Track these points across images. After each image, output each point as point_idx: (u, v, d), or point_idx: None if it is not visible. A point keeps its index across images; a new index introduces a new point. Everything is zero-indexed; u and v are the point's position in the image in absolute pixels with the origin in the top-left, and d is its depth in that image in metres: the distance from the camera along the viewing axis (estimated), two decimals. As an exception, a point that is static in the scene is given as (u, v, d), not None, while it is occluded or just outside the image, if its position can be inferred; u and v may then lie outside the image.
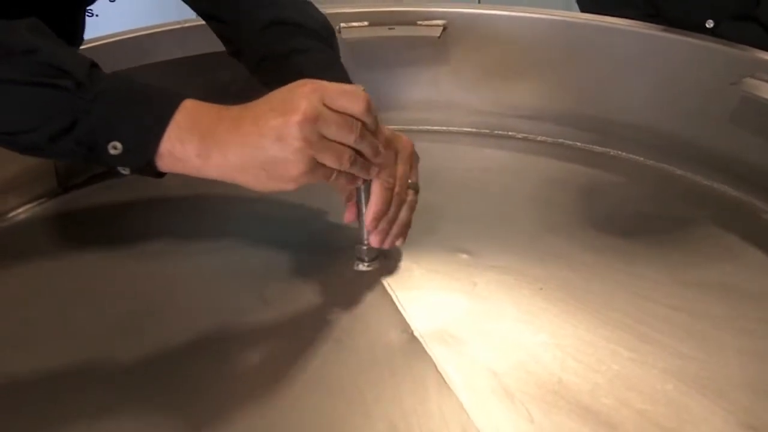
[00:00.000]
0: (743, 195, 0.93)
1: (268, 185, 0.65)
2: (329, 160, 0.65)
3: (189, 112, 0.64)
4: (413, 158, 0.76)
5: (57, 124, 0.63)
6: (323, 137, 0.64)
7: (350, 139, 0.66)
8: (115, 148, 0.63)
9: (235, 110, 0.66)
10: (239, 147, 0.64)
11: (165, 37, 1.06)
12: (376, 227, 0.74)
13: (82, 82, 0.63)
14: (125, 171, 0.66)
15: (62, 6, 0.96)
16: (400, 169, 0.74)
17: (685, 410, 0.61)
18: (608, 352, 0.67)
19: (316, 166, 0.65)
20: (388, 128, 0.74)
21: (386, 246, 0.76)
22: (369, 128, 0.68)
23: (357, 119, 0.66)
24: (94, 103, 0.63)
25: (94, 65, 0.65)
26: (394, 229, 0.75)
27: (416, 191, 0.77)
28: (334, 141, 0.65)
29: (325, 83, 0.66)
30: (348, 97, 0.66)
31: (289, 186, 0.65)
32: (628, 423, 0.60)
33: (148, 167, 0.65)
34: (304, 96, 0.64)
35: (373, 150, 0.69)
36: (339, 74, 0.84)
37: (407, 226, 0.77)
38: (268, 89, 0.67)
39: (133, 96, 0.64)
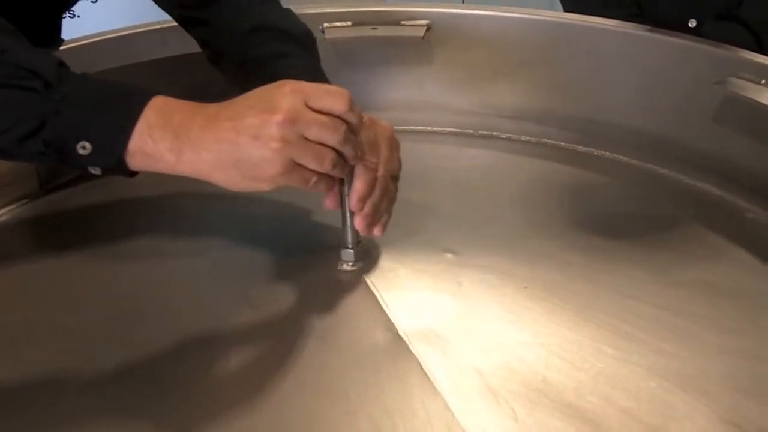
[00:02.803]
0: (727, 194, 0.93)
1: (242, 184, 0.64)
2: (310, 162, 0.64)
3: (160, 108, 0.63)
4: (394, 143, 0.75)
5: (25, 126, 0.61)
6: (304, 138, 0.63)
7: (334, 140, 0.65)
8: (84, 147, 0.62)
9: (211, 108, 0.64)
10: (214, 144, 0.62)
11: (146, 37, 1.05)
12: (361, 209, 0.72)
13: (51, 82, 0.61)
14: (96, 171, 0.64)
15: (44, 9, 0.95)
16: (382, 153, 0.73)
17: (669, 407, 0.62)
18: (592, 351, 0.67)
19: (293, 167, 0.64)
20: (366, 114, 0.72)
21: (367, 233, 0.74)
22: (352, 129, 0.67)
23: (341, 119, 0.65)
24: (62, 104, 0.61)
25: (61, 64, 0.64)
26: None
27: (396, 178, 0.76)
28: (316, 142, 0.64)
29: (306, 84, 0.65)
30: (331, 97, 0.65)
31: (264, 186, 0.64)
32: (612, 420, 0.60)
33: (118, 166, 0.63)
34: (285, 95, 0.63)
35: (355, 152, 0.68)
36: (321, 79, 0.83)
37: (387, 214, 0.75)
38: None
39: (101, 94, 0.63)
